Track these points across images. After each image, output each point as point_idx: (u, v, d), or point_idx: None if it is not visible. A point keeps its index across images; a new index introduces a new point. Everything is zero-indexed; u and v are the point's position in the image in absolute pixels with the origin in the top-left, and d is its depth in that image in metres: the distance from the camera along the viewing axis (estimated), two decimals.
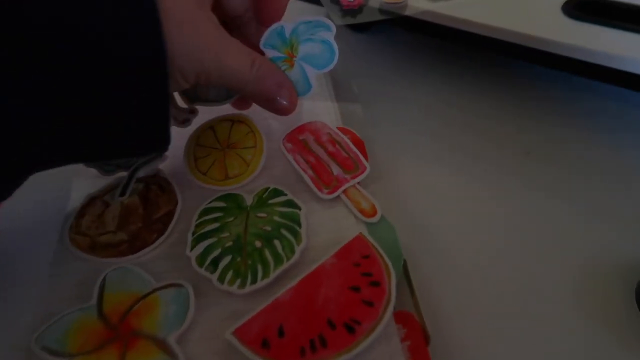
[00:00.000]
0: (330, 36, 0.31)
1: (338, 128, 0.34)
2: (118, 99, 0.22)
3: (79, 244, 0.29)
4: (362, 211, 0.29)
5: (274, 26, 0.31)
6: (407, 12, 0.38)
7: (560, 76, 0.40)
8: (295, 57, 0.31)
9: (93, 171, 0.33)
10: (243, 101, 0.34)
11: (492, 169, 0.34)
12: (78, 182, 0.34)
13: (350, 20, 0.38)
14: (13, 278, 0.29)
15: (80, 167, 0.34)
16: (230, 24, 0.31)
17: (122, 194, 0.31)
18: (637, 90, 0.33)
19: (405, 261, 0.27)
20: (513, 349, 0.25)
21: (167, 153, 0.34)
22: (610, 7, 0.34)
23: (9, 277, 0.29)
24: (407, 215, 0.31)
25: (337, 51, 0.31)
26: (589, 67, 0.32)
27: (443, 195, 0.33)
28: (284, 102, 0.29)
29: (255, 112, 0.34)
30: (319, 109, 0.37)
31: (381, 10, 0.38)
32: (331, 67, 0.31)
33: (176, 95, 0.34)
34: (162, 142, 0.25)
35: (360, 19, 0.38)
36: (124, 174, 0.33)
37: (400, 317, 0.25)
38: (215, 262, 0.27)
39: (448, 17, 0.36)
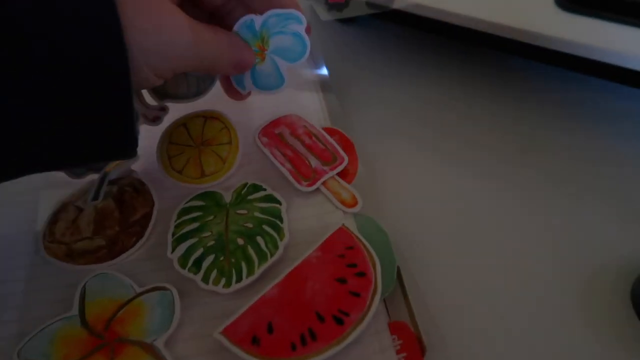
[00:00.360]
0: (301, 29, 0.31)
1: (324, 129, 0.34)
2: (79, 105, 0.21)
3: (54, 252, 0.28)
4: (342, 202, 0.30)
5: (244, 19, 0.31)
6: (395, 6, 0.37)
7: (554, 70, 0.40)
8: (267, 50, 0.30)
9: (62, 176, 0.32)
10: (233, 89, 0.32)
11: (485, 166, 0.34)
12: (45, 191, 0.32)
13: (337, 15, 0.38)
14: None
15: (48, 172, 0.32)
16: (215, 15, 0.30)
17: (95, 197, 0.30)
18: (632, 85, 0.33)
19: (399, 268, 0.27)
20: (509, 351, 0.25)
21: (138, 153, 0.33)
22: (607, 0, 0.34)
23: None
24: (399, 215, 0.31)
25: (308, 44, 0.30)
26: (583, 61, 0.32)
27: (435, 194, 0.33)
28: (246, 57, 0.29)
29: (228, 107, 0.34)
30: (307, 108, 0.36)
31: (368, 4, 0.37)
32: (303, 60, 0.30)
33: (145, 92, 0.33)
34: (129, 147, 0.24)
35: (347, 13, 0.38)
36: (94, 176, 0.32)
37: (396, 328, 0.25)
38: (198, 263, 0.27)
39: (437, 10, 0.35)
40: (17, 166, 0.22)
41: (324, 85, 0.39)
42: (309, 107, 0.36)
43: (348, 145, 0.33)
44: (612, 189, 0.32)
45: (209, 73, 0.30)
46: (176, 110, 0.34)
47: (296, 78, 0.38)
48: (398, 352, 0.24)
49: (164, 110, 0.33)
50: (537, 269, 0.28)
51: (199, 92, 0.33)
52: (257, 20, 0.30)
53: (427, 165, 0.34)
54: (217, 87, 0.32)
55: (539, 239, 0.30)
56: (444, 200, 0.32)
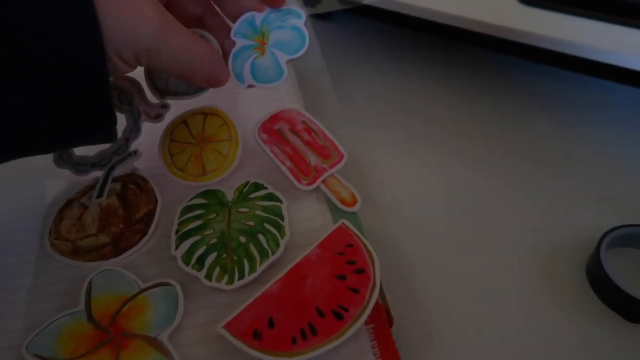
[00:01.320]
0: (300, 23, 0.32)
1: None
2: (54, 82, 0.22)
3: (60, 249, 0.29)
4: (342, 200, 0.30)
5: (245, 16, 0.31)
6: (366, 1, 0.38)
7: (520, 62, 0.41)
8: (267, 44, 0.31)
9: (66, 172, 0.33)
10: None
11: (453, 153, 0.36)
12: (52, 184, 0.33)
13: (311, 11, 0.39)
14: None
15: (52, 168, 0.33)
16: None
17: (100, 195, 0.31)
18: (591, 75, 0.35)
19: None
20: (472, 327, 0.27)
21: (141, 150, 0.33)
22: None
23: None
24: (372, 199, 0.33)
25: (307, 37, 0.31)
26: (544, 53, 0.33)
27: (405, 180, 0.34)
28: (222, 77, 0.30)
29: (226, 103, 0.34)
30: (282, 100, 0.37)
31: (341, 0, 0.38)
32: (302, 52, 0.32)
33: (147, 91, 0.34)
34: (107, 124, 0.25)
35: (321, 8, 0.39)
36: (98, 173, 0.32)
37: None
38: (201, 260, 0.27)
39: (406, 5, 0.37)
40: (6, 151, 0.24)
41: (300, 78, 0.40)
42: (284, 100, 0.37)
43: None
44: (573, 171, 0.34)
45: (183, 79, 0.30)
46: (177, 108, 0.34)
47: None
48: (366, 323, 0.25)
49: (166, 107, 0.34)
50: (499, 245, 0.30)
51: (200, 89, 0.34)
52: (258, 16, 0.31)
53: (401, 151, 0.37)
54: None
55: (502, 217, 0.32)
56: (417, 181, 0.35)
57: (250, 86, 0.32)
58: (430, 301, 0.28)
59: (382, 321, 0.25)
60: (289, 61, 0.32)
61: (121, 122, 0.33)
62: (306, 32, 0.32)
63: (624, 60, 0.32)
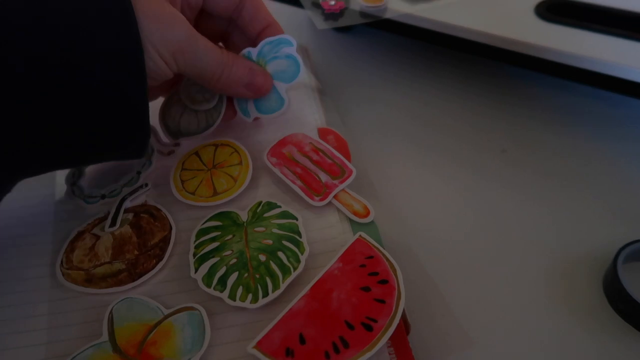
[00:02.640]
0: (292, 50, 0.34)
1: (320, 129, 0.36)
2: (96, 84, 0.25)
3: (73, 278, 0.29)
4: (355, 213, 0.31)
5: (242, 52, 0.33)
6: (387, 15, 0.39)
7: (536, 75, 0.42)
8: None
9: (72, 207, 0.32)
10: (228, 107, 0.35)
11: (469, 166, 0.36)
12: (60, 217, 0.33)
13: (333, 24, 0.40)
14: (12, 321, 0.27)
15: (60, 200, 0.33)
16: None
17: (113, 224, 0.31)
18: (609, 90, 0.35)
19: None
20: (489, 338, 0.27)
21: (152, 181, 0.33)
22: (581, 9, 0.37)
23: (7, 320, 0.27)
24: (388, 211, 0.32)
25: (301, 63, 0.34)
26: (561, 67, 0.35)
27: (422, 192, 0.35)
28: (259, 81, 0.33)
29: (235, 135, 0.36)
30: (304, 110, 0.38)
31: (362, 14, 0.40)
32: (298, 78, 0.34)
33: (160, 131, 0.36)
34: (142, 133, 0.28)
35: (342, 22, 0.40)
36: (106, 206, 0.32)
37: None
38: (222, 281, 0.27)
39: (426, 19, 0.38)
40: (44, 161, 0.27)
41: (319, 88, 0.41)
42: (305, 109, 0.38)
43: (342, 145, 0.35)
44: (590, 185, 0.34)
45: (217, 89, 0.32)
46: (187, 147, 0.36)
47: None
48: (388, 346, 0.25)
49: (178, 145, 0.36)
50: (515, 258, 0.31)
51: (209, 126, 0.35)
52: (253, 51, 0.34)
53: (418, 163, 0.37)
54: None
55: (518, 230, 0.32)
56: (430, 193, 0.35)
57: (256, 119, 0.35)
58: (447, 310, 0.28)
59: (399, 329, 0.25)
60: (289, 89, 0.35)
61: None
62: (299, 58, 0.34)
63: None
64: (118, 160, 0.32)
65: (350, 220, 0.31)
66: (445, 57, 0.46)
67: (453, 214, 0.33)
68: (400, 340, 0.25)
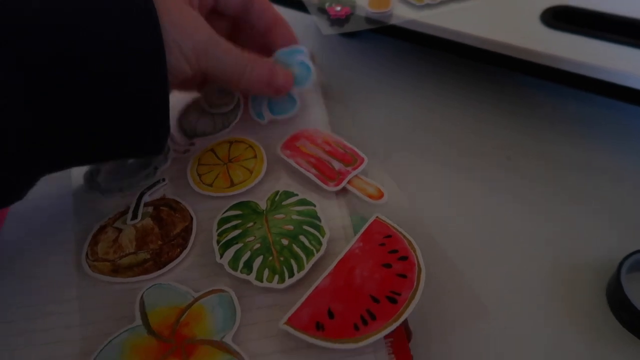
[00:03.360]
0: (305, 57, 0.37)
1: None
2: (119, 80, 0.26)
3: (100, 269, 0.29)
4: (369, 196, 0.32)
5: None
6: (393, 21, 0.40)
7: (543, 83, 0.41)
8: None
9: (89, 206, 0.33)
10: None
11: (472, 173, 0.36)
12: (80, 211, 0.33)
13: (338, 30, 0.41)
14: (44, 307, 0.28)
15: (80, 195, 0.34)
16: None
17: (134, 217, 0.32)
18: (612, 98, 0.35)
19: None
20: (490, 346, 0.27)
21: (167, 180, 0.34)
22: (587, 17, 0.37)
23: (32, 312, 0.28)
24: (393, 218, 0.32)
25: (313, 69, 0.37)
26: (566, 75, 0.35)
27: (427, 198, 0.34)
28: (280, 81, 0.34)
29: (249, 134, 0.37)
30: (309, 116, 0.39)
31: (368, 20, 0.41)
32: (310, 82, 0.37)
33: (175, 134, 0.38)
34: (163, 129, 0.29)
35: (348, 28, 0.41)
36: (126, 200, 0.33)
37: None
38: (248, 264, 0.28)
39: (432, 26, 0.39)
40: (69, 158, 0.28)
41: (326, 94, 0.42)
42: (311, 116, 0.39)
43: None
44: (594, 194, 0.34)
45: (239, 88, 0.35)
46: (202, 146, 0.37)
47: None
48: (385, 337, 0.25)
49: (193, 144, 0.37)
50: (519, 267, 0.30)
51: (224, 127, 0.37)
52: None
53: (424, 169, 0.37)
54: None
55: (522, 239, 0.32)
56: (440, 200, 0.34)
57: (270, 121, 0.37)
58: (448, 319, 0.28)
59: (400, 335, 0.26)
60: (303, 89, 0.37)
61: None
62: (311, 64, 0.37)
63: None
64: (138, 157, 0.33)
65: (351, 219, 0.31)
66: (451, 63, 0.46)
67: (455, 221, 0.33)
68: (402, 346, 0.26)
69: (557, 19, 0.37)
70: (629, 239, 0.31)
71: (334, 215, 0.31)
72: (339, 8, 0.41)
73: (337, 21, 0.41)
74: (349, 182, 0.33)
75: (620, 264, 0.28)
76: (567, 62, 0.34)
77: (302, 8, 0.43)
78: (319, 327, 0.25)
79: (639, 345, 0.27)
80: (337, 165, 0.34)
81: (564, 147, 0.38)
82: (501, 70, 0.39)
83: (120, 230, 0.31)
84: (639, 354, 0.26)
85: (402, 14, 0.40)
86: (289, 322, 0.25)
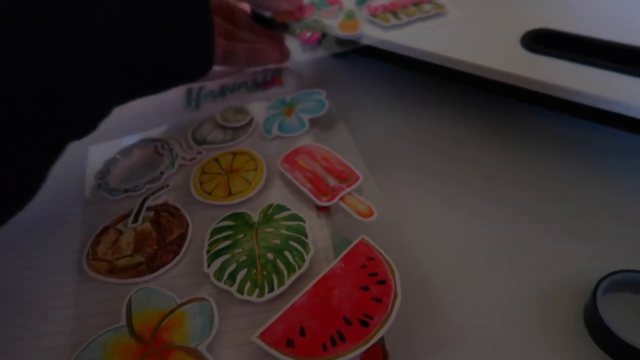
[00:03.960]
0: (321, 97, 0.42)
1: None
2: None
3: (97, 269, 0.31)
4: (360, 213, 0.32)
5: (278, 97, 0.43)
6: (364, 42, 0.41)
7: (524, 105, 0.41)
8: (294, 110, 0.41)
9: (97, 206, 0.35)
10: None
11: (457, 192, 0.36)
12: (88, 212, 0.35)
13: (311, 55, 0.43)
14: (37, 304, 0.30)
15: (87, 196, 0.36)
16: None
17: (135, 221, 0.33)
18: (591, 120, 0.35)
19: None
20: None
21: (171, 186, 0.36)
22: (567, 41, 0.37)
23: (33, 302, 0.30)
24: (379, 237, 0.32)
25: (327, 104, 0.41)
26: (546, 98, 0.34)
27: (413, 220, 0.34)
28: None
29: (255, 146, 0.39)
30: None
31: (339, 42, 0.42)
32: (323, 112, 0.40)
33: (189, 139, 0.41)
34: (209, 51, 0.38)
35: (320, 52, 0.43)
36: (130, 202, 0.35)
37: None
38: (232, 276, 0.29)
39: (405, 47, 0.39)
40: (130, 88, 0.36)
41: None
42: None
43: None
44: (572, 215, 0.34)
45: (267, 6, 0.44)
46: (208, 155, 0.39)
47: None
48: (361, 358, 0.25)
49: (200, 153, 0.39)
50: (494, 289, 0.30)
51: (233, 139, 0.40)
52: (288, 96, 0.42)
53: (409, 185, 0.37)
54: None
55: (498, 260, 0.32)
56: (424, 222, 0.34)
57: (277, 137, 0.40)
58: (425, 343, 0.28)
59: (376, 356, 0.26)
60: (311, 119, 0.40)
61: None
62: (326, 101, 0.41)
63: (625, 108, 0.32)
64: (188, 82, 0.41)
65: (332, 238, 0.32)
66: (433, 84, 0.46)
67: (435, 238, 0.33)
68: None
69: (536, 42, 0.37)
70: (605, 260, 0.30)
71: (318, 236, 0.32)
72: (309, 34, 0.42)
73: (308, 47, 0.43)
74: (341, 198, 0.33)
75: (597, 286, 0.28)
76: (545, 86, 0.34)
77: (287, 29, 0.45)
78: (289, 343, 0.26)
79: None
80: (332, 181, 0.35)
81: (542, 170, 0.37)
82: (482, 93, 0.39)
83: (121, 233, 0.33)
84: None
85: (372, 34, 0.41)
86: (261, 336, 0.26)
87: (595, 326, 0.27)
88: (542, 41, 0.38)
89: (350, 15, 0.44)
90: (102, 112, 0.33)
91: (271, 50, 0.45)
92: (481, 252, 0.32)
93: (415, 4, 0.44)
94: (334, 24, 0.43)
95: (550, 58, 0.36)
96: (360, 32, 0.41)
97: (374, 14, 0.43)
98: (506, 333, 0.28)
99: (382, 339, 0.26)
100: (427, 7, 0.44)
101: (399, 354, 0.27)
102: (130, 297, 0.29)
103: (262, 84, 0.46)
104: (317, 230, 0.32)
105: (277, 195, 0.35)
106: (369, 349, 0.25)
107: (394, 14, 0.43)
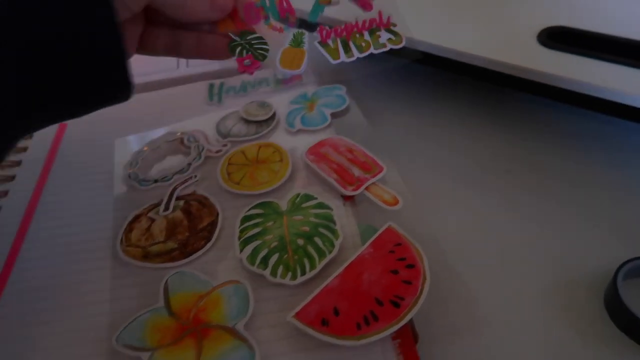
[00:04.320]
0: (342, 92, 0.43)
1: None
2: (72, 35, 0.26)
3: (132, 254, 0.32)
4: (385, 202, 0.33)
5: (299, 91, 0.44)
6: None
7: (542, 101, 0.43)
8: (316, 105, 0.43)
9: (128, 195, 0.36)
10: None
11: (475, 184, 0.38)
12: (119, 201, 0.36)
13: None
14: (75, 287, 0.31)
15: (118, 187, 0.37)
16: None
17: (166, 209, 0.34)
18: (606, 114, 0.36)
19: None
20: (491, 351, 0.28)
21: (199, 176, 0.37)
22: (583, 37, 0.39)
23: (72, 286, 0.31)
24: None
25: (347, 100, 0.42)
26: (561, 92, 0.36)
27: (437, 210, 0.36)
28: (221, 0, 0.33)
29: (279, 139, 0.41)
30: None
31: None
32: (344, 107, 0.42)
33: (213, 134, 0.42)
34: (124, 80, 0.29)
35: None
36: (160, 192, 0.36)
37: None
38: (265, 260, 0.30)
39: (429, 45, 0.40)
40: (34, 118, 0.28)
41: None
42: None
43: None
44: (591, 203, 0.36)
45: (186, 17, 0.33)
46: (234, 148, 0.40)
47: None
48: (393, 338, 0.27)
49: (226, 145, 0.40)
50: (517, 276, 0.31)
51: (257, 133, 0.41)
52: (309, 90, 0.43)
53: (437, 182, 0.39)
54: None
55: (520, 248, 0.33)
56: (448, 212, 0.36)
57: (299, 130, 0.41)
58: (452, 325, 0.29)
59: (407, 337, 0.27)
60: (333, 113, 0.41)
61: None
62: (346, 96, 0.42)
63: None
64: (105, 105, 0.31)
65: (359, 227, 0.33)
66: (450, 80, 0.48)
67: (454, 230, 0.34)
68: (409, 347, 0.27)
69: (552, 39, 0.39)
70: (625, 246, 0.32)
71: (344, 223, 0.33)
72: (247, 61, 0.35)
73: (243, 71, 0.36)
74: (366, 188, 0.35)
75: (617, 271, 0.29)
76: (562, 80, 0.36)
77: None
78: (324, 323, 0.27)
79: (638, 349, 0.28)
80: (357, 172, 0.36)
81: (561, 161, 0.39)
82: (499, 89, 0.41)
83: (152, 220, 0.34)
84: (638, 358, 0.27)
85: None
86: (297, 316, 0.27)
87: (617, 310, 0.29)
88: (558, 38, 0.39)
89: (297, 41, 0.36)
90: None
91: (224, 42, 0.35)
92: (503, 240, 0.34)
93: (371, 31, 0.37)
94: (276, 54, 0.36)
95: (567, 54, 0.37)
96: (302, 69, 0.36)
97: (324, 41, 0.36)
98: (530, 316, 0.30)
99: (411, 320, 0.27)
100: (383, 38, 0.37)
101: (428, 336, 0.28)
102: (167, 279, 0.30)
103: (282, 80, 0.47)
104: (344, 219, 0.33)
105: (302, 185, 0.36)
106: (400, 329, 0.27)
107: (346, 44, 0.36)
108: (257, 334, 0.27)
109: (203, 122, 0.43)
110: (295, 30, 0.36)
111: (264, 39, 0.35)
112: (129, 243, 0.33)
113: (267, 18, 0.34)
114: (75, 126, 0.44)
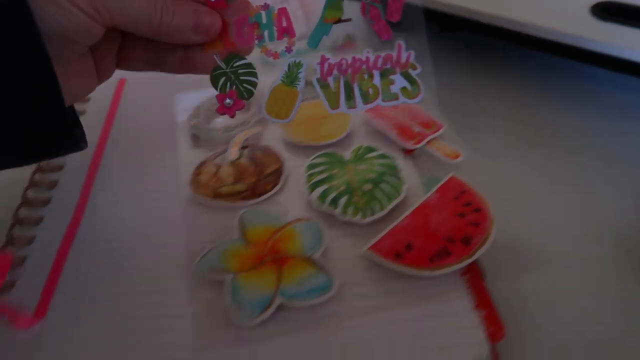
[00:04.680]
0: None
1: None
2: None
3: (204, 192, 0.33)
4: (447, 155, 0.35)
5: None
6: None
7: (589, 71, 0.46)
8: None
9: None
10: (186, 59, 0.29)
11: (528, 146, 0.40)
12: (185, 153, 0.38)
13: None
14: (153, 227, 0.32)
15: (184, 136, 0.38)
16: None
17: (232, 156, 0.36)
18: None
19: None
20: (562, 294, 0.29)
21: (262, 128, 0.38)
22: (636, 12, 0.40)
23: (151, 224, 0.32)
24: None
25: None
26: (613, 61, 0.38)
27: (488, 164, 0.37)
28: (208, 20, 0.26)
29: None
30: None
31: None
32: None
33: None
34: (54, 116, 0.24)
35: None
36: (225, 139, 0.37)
37: None
38: (335, 201, 0.31)
39: (484, 14, 0.42)
40: None
41: None
42: None
43: None
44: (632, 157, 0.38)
45: (163, 37, 0.27)
46: None
47: None
48: (461, 274, 0.28)
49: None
50: (574, 220, 0.34)
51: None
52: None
53: (494, 143, 0.40)
54: None
55: (574, 195, 0.35)
56: (508, 168, 0.38)
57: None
58: (514, 262, 0.31)
59: (475, 273, 0.28)
60: None
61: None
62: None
63: None
64: (54, 155, 0.28)
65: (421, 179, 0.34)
66: (501, 48, 0.50)
67: (517, 182, 0.36)
68: (477, 282, 0.28)
69: (606, 12, 0.40)
70: None
71: (406, 174, 0.34)
72: (229, 100, 0.27)
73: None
74: (427, 142, 0.36)
75: None
76: (617, 48, 0.38)
77: None
78: (398, 256, 0.28)
79: None
80: (417, 128, 0.37)
81: (605, 127, 0.41)
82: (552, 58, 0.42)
83: (219, 166, 0.35)
84: None
85: None
86: (372, 249, 0.28)
87: None
88: (612, 11, 0.40)
89: (291, 75, 0.27)
90: None
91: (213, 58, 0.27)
92: (557, 194, 0.35)
93: (384, 72, 0.27)
94: (264, 94, 0.27)
95: (620, 25, 0.39)
96: (291, 117, 0.28)
97: (324, 79, 0.28)
98: (588, 256, 0.31)
99: (478, 259, 0.29)
100: (397, 85, 0.28)
101: (493, 274, 0.29)
102: (241, 214, 0.31)
103: (336, 48, 0.48)
104: (405, 170, 0.34)
105: (362, 140, 0.37)
106: (469, 265, 0.28)
107: (349, 88, 0.28)
108: (333, 262, 0.28)
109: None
110: (291, 60, 0.27)
111: (253, 67, 0.27)
112: (198, 185, 0.34)
113: (261, 39, 0.26)
114: (135, 81, 0.46)
